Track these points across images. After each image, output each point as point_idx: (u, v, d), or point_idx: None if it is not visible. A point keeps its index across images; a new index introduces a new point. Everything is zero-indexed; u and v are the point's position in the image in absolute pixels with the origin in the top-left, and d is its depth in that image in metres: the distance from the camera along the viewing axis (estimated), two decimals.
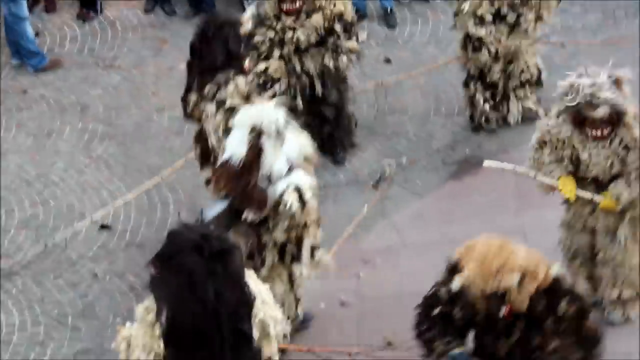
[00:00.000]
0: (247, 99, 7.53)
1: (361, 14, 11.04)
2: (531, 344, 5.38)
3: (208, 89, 7.62)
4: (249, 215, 6.85)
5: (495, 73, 9.40)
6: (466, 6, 9.13)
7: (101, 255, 8.79)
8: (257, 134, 6.75)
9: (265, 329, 5.30)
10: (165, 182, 9.36)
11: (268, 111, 6.83)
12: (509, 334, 5.39)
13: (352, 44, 8.98)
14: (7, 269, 8.63)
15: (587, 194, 7.15)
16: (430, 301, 5.69)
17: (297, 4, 8.67)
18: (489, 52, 9.22)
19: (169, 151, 9.85)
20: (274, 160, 6.77)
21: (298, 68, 8.87)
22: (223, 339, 4.99)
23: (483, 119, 9.63)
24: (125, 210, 9.13)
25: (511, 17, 9.14)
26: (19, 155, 9.89)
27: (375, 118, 10.02)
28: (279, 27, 8.72)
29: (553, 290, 5.39)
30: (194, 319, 4.94)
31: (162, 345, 5.12)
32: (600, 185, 7.19)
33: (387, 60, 10.74)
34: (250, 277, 5.23)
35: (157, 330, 5.12)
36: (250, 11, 8.79)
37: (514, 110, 9.67)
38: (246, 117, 6.86)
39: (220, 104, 7.57)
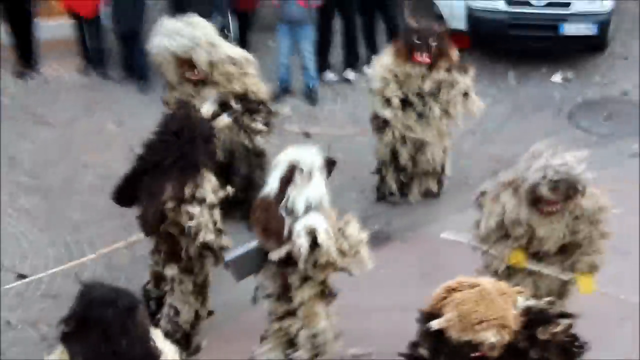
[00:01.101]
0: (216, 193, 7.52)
1: (285, 88, 11.55)
2: None
3: (188, 191, 7.34)
4: (273, 254, 6.95)
5: (404, 157, 9.59)
6: (375, 85, 9.29)
7: (15, 304, 8.77)
8: (291, 167, 6.90)
9: None
10: (85, 237, 9.54)
11: (308, 152, 6.98)
12: None
13: (255, 125, 9.05)
14: None
15: (553, 271, 7.25)
16: None
17: (197, 75, 8.82)
18: (394, 134, 9.38)
19: (92, 207, 9.94)
20: (297, 196, 6.86)
21: None
22: None
23: (388, 192, 9.95)
24: (43, 261, 9.23)
25: (418, 106, 9.30)
26: None
27: None
28: (178, 92, 8.89)
29: (529, 323, 5.40)
30: None
31: None
32: (539, 259, 7.27)
33: (307, 135, 11.03)
34: (157, 336, 5.26)
35: None
36: (209, 105, 8.64)
37: (416, 191, 9.96)
38: (287, 156, 7.00)
39: (202, 202, 7.40)
